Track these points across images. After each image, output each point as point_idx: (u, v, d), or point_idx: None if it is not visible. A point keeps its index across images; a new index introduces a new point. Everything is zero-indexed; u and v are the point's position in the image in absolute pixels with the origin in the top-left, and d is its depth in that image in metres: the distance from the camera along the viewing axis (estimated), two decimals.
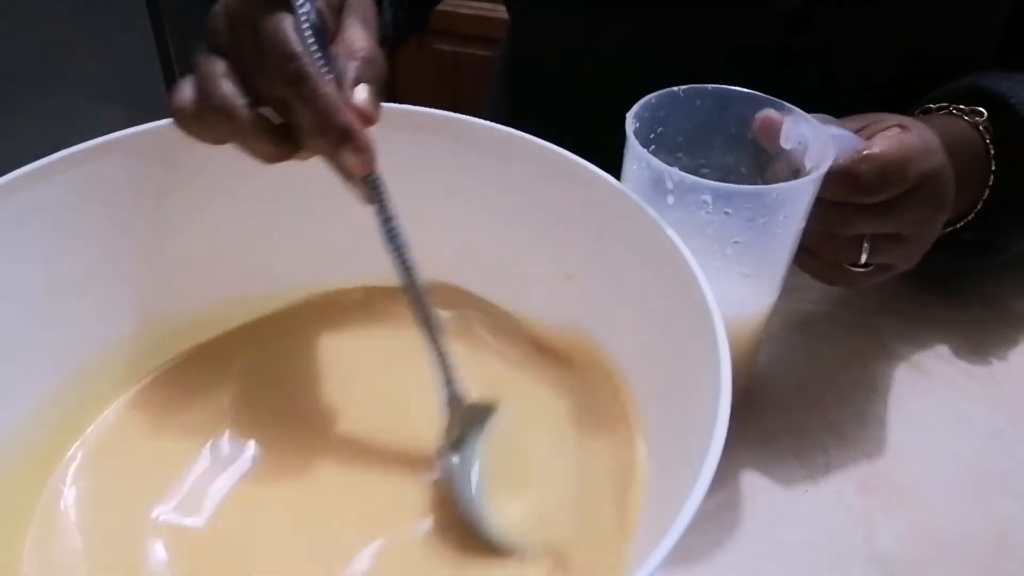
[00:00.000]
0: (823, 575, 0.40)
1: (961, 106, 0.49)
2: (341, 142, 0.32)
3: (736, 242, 0.39)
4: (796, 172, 0.40)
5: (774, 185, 0.38)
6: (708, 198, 0.37)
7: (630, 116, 0.40)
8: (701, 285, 0.33)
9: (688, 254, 0.35)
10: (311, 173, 0.43)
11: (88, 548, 0.36)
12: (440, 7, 0.71)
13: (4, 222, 0.36)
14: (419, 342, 0.38)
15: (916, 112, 0.51)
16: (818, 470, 0.44)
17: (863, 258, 0.44)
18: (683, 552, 0.40)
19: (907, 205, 0.42)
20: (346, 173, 0.33)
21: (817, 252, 0.45)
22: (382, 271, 0.36)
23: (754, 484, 0.43)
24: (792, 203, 0.38)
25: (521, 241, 0.44)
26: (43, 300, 0.39)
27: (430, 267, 0.46)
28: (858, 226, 0.43)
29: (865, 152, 0.40)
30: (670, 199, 0.38)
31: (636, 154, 0.38)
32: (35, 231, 0.38)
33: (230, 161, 0.42)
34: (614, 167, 0.40)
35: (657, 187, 0.38)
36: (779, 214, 0.38)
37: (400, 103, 0.42)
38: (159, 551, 0.36)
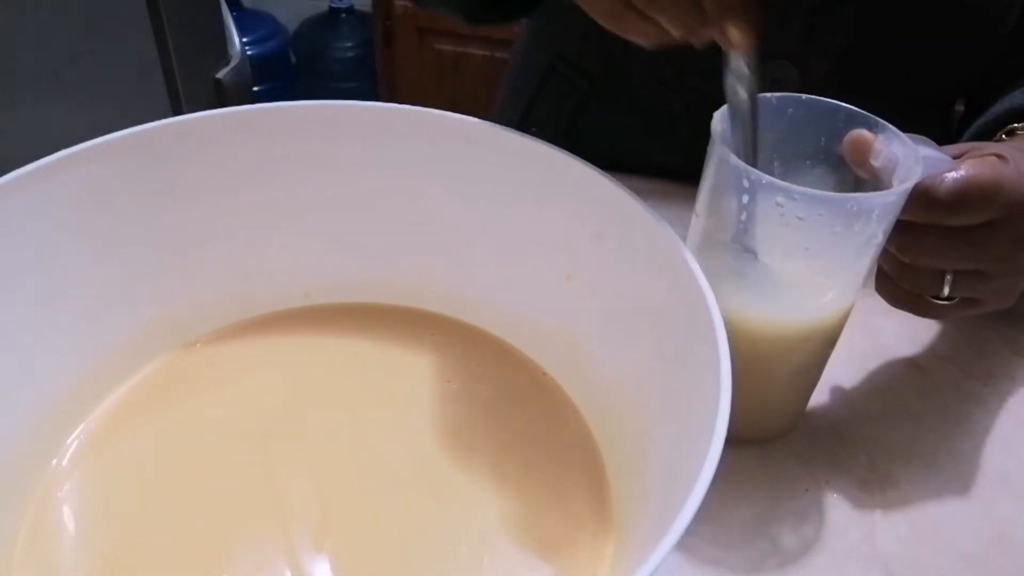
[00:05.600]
0: (823, 575, 0.40)
1: None
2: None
3: (807, 249, 0.37)
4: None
5: (853, 194, 0.36)
6: (782, 199, 0.36)
7: (717, 115, 0.38)
8: (702, 286, 0.33)
9: (689, 255, 0.35)
10: (310, 175, 0.44)
11: (81, 540, 0.37)
12: None
13: (4, 222, 0.36)
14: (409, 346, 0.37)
15: (1000, 134, 0.48)
16: (818, 469, 0.44)
17: (945, 291, 0.41)
18: (683, 551, 0.40)
19: (990, 237, 0.40)
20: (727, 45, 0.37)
21: (896, 279, 0.42)
22: (380, 274, 0.36)
23: (754, 483, 0.43)
24: (870, 215, 0.36)
25: (521, 241, 0.44)
26: (42, 300, 0.39)
27: (428, 267, 0.46)
28: (933, 254, 0.40)
29: (950, 172, 0.38)
30: (745, 198, 0.36)
31: (718, 151, 0.37)
32: (35, 231, 0.38)
33: (230, 161, 0.42)
34: (622, 168, 0.39)
35: (735, 185, 0.37)
36: (855, 225, 0.36)
37: (400, 103, 0.42)
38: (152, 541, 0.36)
